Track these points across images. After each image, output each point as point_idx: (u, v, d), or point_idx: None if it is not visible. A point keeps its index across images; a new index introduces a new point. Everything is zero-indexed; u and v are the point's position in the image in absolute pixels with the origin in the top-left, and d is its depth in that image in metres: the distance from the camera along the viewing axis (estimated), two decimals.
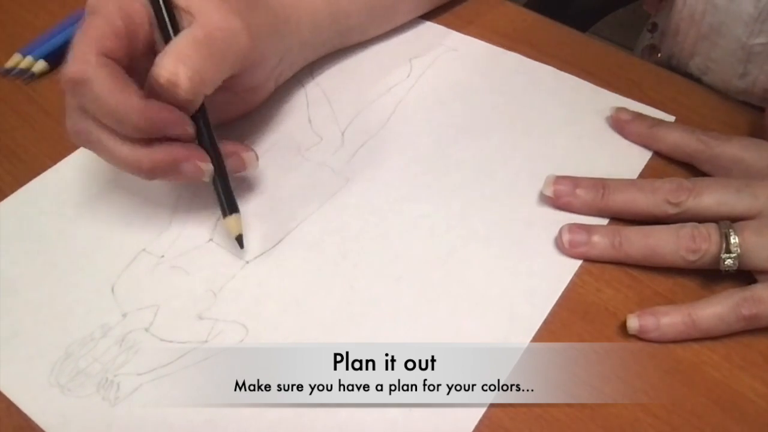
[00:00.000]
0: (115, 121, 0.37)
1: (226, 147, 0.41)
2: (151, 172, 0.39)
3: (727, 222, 0.38)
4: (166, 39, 0.39)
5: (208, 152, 0.40)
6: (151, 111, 0.37)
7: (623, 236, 0.39)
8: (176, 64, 0.37)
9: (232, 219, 0.40)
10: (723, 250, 0.37)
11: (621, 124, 0.46)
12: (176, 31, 0.39)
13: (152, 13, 0.39)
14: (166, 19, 0.39)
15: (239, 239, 0.40)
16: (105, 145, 0.38)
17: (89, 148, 0.39)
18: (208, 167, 0.40)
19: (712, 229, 0.38)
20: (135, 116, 0.37)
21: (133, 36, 0.38)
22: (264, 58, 0.43)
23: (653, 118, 0.46)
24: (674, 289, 0.39)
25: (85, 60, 0.36)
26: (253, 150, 0.43)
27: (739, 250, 0.37)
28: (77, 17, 0.55)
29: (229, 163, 0.41)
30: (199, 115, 0.40)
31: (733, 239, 0.37)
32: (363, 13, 0.49)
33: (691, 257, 0.38)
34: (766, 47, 0.46)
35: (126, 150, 0.38)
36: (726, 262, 0.37)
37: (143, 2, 0.39)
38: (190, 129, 0.39)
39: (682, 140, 0.43)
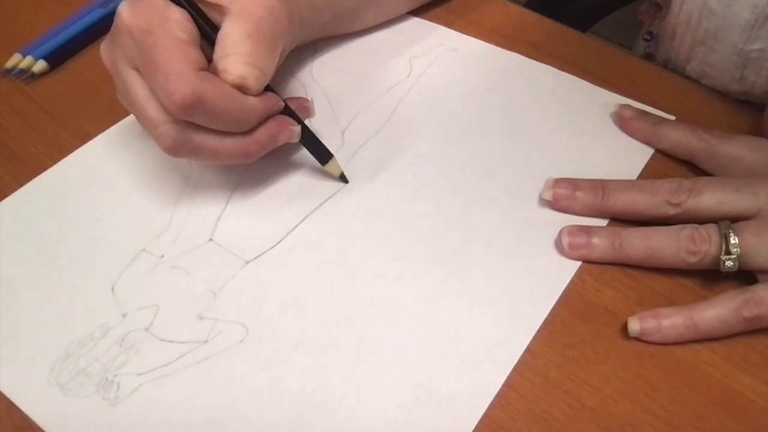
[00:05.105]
0: (230, 125, 0.39)
1: (291, 104, 0.43)
2: (257, 154, 0.41)
3: (726, 222, 0.38)
4: (208, 38, 0.39)
5: (290, 116, 0.42)
6: (259, 106, 0.40)
7: (623, 238, 0.39)
8: (241, 67, 0.38)
9: (330, 164, 0.44)
10: (723, 252, 0.37)
11: (624, 120, 0.46)
12: (210, 25, 0.40)
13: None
14: (200, 20, 0.40)
15: (342, 177, 0.44)
16: (210, 147, 0.40)
17: (191, 157, 0.41)
18: (297, 128, 0.42)
19: (711, 230, 0.38)
20: (248, 115, 0.39)
21: (196, 42, 0.39)
22: (288, 41, 0.44)
23: (656, 116, 0.46)
24: (674, 289, 0.39)
25: (188, 81, 0.37)
26: (306, 98, 0.46)
27: (739, 251, 0.37)
28: (77, 17, 0.55)
29: (301, 115, 0.44)
30: (268, 89, 0.41)
31: (733, 240, 0.37)
32: None
33: (692, 259, 0.38)
34: (763, 53, 0.46)
35: (232, 144, 0.40)
36: (726, 264, 0.37)
37: (177, 9, 0.39)
38: (281, 104, 0.42)
39: (683, 138, 0.43)
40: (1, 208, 0.44)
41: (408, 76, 0.50)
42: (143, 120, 0.39)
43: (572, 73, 0.50)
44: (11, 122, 0.49)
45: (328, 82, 0.50)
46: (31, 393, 0.36)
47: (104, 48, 0.40)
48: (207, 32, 0.40)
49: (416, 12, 0.55)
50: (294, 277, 0.40)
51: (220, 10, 0.39)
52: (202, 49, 0.39)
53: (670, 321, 0.37)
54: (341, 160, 0.45)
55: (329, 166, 0.44)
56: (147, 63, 0.38)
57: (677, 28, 0.50)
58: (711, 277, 0.39)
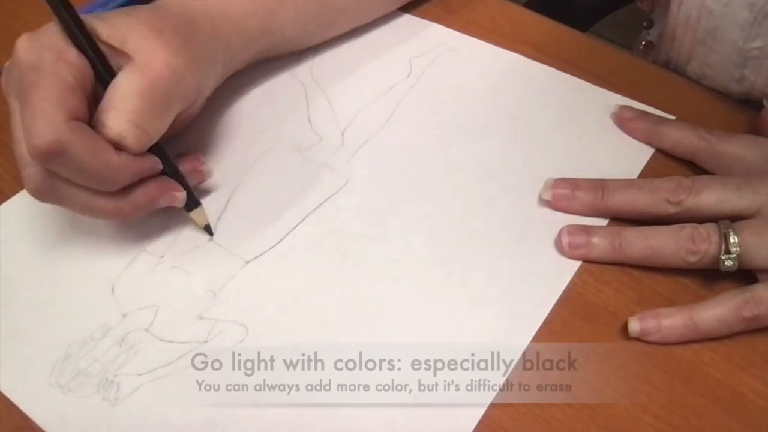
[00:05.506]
0: (94, 182, 0.37)
1: (184, 166, 0.42)
2: (132, 215, 0.40)
3: (726, 222, 0.38)
4: (104, 84, 0.38)
5: (176, 179, 0.41)
6: (130, 167, 0.37)
7: (623, 238, 0.39)
8: (121, 123, 0.36)
9: (196, 212, 0.42)
10: (722, 251, 0.37)
11: (624, 121, 0.46)
12: (110, 73, 0.38)
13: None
14: (99, 66, 0.38)
15: (208, 228, 0.42)
16: (80, 201, 0.38)
17: (59, 205, 0.39)
18: (182, 194, 0.41)
19: (711, 229, 0.38)
20: (115, 175, 0.37)
21: (84, 89, 0.37)
22: (205, 89, 0.43)
23: (656, 116, 0.46)
24: (674, 288, 0.39)
25: (54, 128, 0.34)
26: (204, 161, 0.44)
27: (738, 250, 0.37)
28: None
29: (192, 179, 0.42)
30: (155, 149, 0.39)
31: (732, 239, 0.37)
32: (298, 29, 0.49)
33: (691, 258, 0.38)
34: (763, 51, 0.46)
35: (104, 202, 0.38)
36: (726, 263, 0.37)
37: (75, 52, 0.37)
38: (159, 167, 0.40)
39: (684, 138, 0.43)
40: (2, 209, 0.44)
41: (408, 76, 0.50)
42: (15, 155, 0.37)
43: (572, 73, 0.50)
44: None
45: (328, 82, 0.50)
46: (31, 393, 0.36)
47: (3, 72, 0.39)
48: (105, 81, 0.38)
49: (415, 12, 0.55)
50: (294, 277, 0.40)
51: (126, 59, 0.38)
52: (98, 98, 0.37)
53: (670, 321, 0.37)
54: (342, 158, 0.45)
55: (194, 215, 0.42)
56: (23, 100, 0.36)
57: (677, 28, 0.50)
58: (711, 276, 0.39)
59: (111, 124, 0.37)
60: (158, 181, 0.40)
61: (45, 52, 0.36)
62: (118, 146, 0.37)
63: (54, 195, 0.38)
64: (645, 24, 0.56)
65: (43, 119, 0.34)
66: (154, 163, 0.39)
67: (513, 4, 0.56)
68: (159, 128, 0.39)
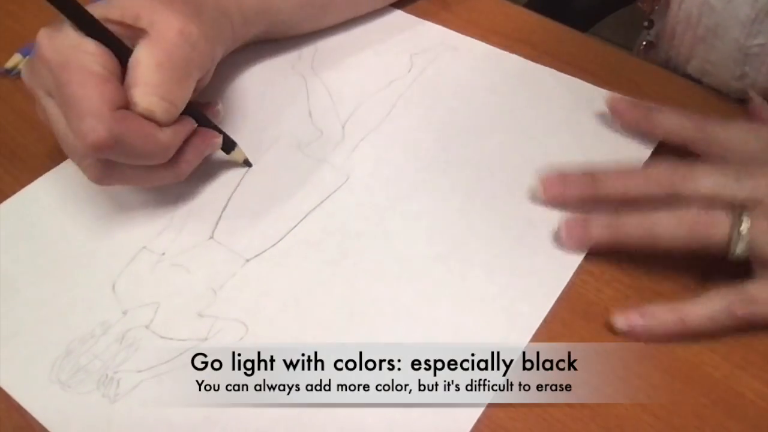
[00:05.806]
0: (148, 161, 0.39)
1: (206, 111, 0.44)
2: (188, 172, 0.42)
3: (739, 205, 0.37)
4: (122, 62, 0.38)
5: (210, 127, 0.43)
6: (176, 138, 0.40)
7: (622, 221, 0.39)
8: (146, 98, 0.38)
9: (235, 152, 0.45)
10: (733, 237, 0.36)
11: (618, 111, 0.45)
12: (129, 52, 0.38)
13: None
14: (117, 49, 0.39)
15: (246, 162, 0.45)
16: (140, 177, 0.40)
17: (122, 185, 0.41)
18: (220, 139, 0.43)
19: (719, 213, 0.37)
20: (165, 150, 0.39)
21: (115, 75, 0.38)
22: (216, 58, 0.44)
23: (649, 104, 0.45)
24: (675, 289, 0.39)
25: (103, 123, 0.36)
26: (215, 102, 0.46)
27: (748, 237, 0.36)
28: None
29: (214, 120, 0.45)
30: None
31: (745, 224, 0.36)
32: (295, 11, 0.49)
33: (697, 239, 0.37)
34: (764, 48, 0.46)
35: (161, 172, 0.41)
36: (738, 246, 0.36)
37: (91, 41, 0.38)
38: (195, 124, 0.42)
39: (679, 125, 0.43)
40: (2, 208, 0.44)
41: (409, 71, 0.50)
42: (67, 149, 0.39)
43: (572, 74, 0.50)
44: (11, 122, 0.49)
45: (328, 75, 0.50)
46: (31, 390, 0.36)
47: (25, 71, 0.40)
48: (126, 61, 0.38)
49: (416, 12, 0.55)
50: (294, 275, 0.40)
51: (140, 33, 0.38)
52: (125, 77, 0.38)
53: (659, 317, 0.36)
54: (342, 153, 0.45)
55: (233, 155, 0.45)
56: (62, 99, 0.37)
57: (677, 27, 0.50)
58: (712, 277, 0.39)
59: (137, 100, 0.38)
60: (199, 135, 0.42)
61: (66, 49, 0.37)
62: (150, 118, 0.38)
63: (114, 179, 0.40)
64: (646, 24, 0.56)
65: (91, 116, 0.36)
66: (191, 123, 0.41)
67: (513, 4, 0.56)
68: (183, 97, 0.40)
